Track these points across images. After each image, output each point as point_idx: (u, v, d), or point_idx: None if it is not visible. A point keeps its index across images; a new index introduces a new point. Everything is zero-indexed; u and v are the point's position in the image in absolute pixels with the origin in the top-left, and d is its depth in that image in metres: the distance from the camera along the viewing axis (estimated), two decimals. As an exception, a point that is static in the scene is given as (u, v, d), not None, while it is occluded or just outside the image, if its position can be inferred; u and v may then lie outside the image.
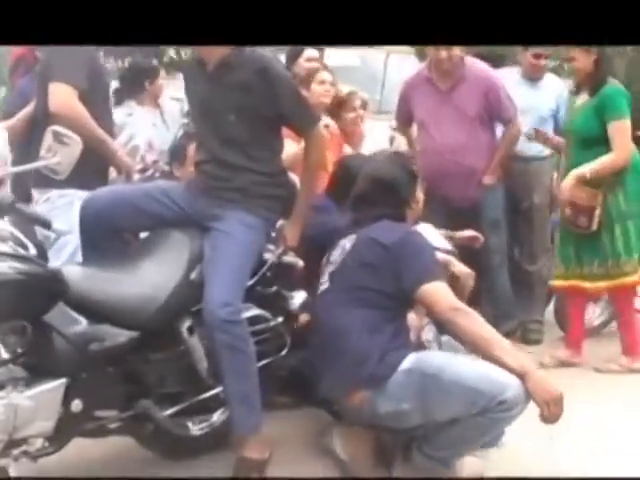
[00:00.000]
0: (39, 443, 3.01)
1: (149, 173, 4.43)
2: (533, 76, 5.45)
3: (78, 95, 3.82)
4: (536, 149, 5.43)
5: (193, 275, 3.28)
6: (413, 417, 3.10)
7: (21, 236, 2.91)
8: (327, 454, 3.32)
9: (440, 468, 3.15)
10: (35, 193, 4.05)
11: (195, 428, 3.45)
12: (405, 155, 3.76)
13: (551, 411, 2.89)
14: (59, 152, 2.91)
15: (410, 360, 3.10)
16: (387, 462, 3.30)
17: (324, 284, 3.36)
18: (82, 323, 3.07)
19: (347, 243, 3.32)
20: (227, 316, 3.12)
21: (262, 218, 3.38)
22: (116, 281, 3.19)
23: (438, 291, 3.12)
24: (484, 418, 2.95)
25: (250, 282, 3.42)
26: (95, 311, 3.08)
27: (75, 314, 3.06)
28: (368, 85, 6.45)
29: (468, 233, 4.40)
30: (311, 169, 3.51)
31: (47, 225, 2.95)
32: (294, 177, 3.63)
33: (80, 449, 3.32)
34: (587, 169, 4.62)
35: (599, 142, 4.65)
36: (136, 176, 4.33)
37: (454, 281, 3.69)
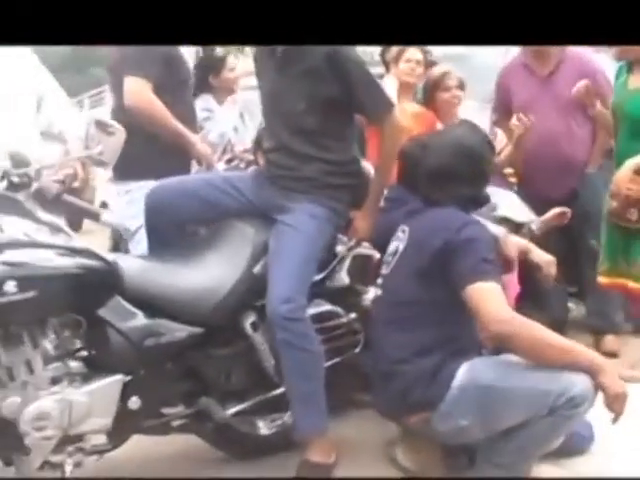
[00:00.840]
0: (96, 440, 2.96)
1: (235, 163, 4.32)
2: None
3: (153, 88, 3.74)
4: None
5: (257, 269, 3.14)
6: (475, 432, 2.86)
7: (66, 228, 2.83)
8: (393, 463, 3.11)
9: (508, 475, 2.89)
10: (117, 185, 4.00)
11: (265, 427, 3.31)
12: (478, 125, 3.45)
13: (622, 405, 2.70)
14: (102, 142, 2.82)
15: (462, 373, 2.84)
16: (454, 470, 3.05)
17: (378, 290, 3.13)
18: (139, 317, 2.96)
19: (401, 244, 3.04)
20: (287, 313, 2.96)
21: (330, 209, 3.20)
22: (176, 274, 3.08)
23: (483, 295, 2.75)
24: (554, 417, 2.72)
25: (319, 276, 3.25)
26: (152, 305, 2.98)
27: (132, 308, 2.96)
28: (482, 74, 6.08)
29: (555, 210, 4.04)
30: (385, 159, 3.29)
31: (96, 217, 2.87)
32: (368, 166, 3.41)
33: (145, 447, 3.25)
34: None
35: None
36: (223, 166, 4.23)
37: (535, 270, 3.38)
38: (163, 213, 3.23)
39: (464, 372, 2.83)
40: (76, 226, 8.89)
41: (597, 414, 3.15)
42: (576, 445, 3.30)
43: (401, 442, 3.11)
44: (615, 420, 2.74)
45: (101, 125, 2.88)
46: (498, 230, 3.32)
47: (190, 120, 4.05)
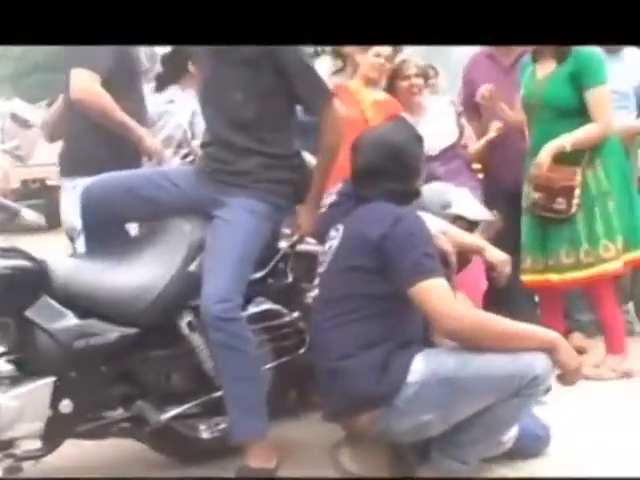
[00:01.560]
0: (29, 445, 2.87)
1: (192, 158, 4.21)
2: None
3: (102, 81, 3.64)
4: None
5: (193, 267, 3.04)
6: (436, 426, 2.77)
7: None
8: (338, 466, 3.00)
9: (462, 468, 2.82)
10: (64, 181, 3.91)
11: (206, 430, 3.22)
12: (409, 122, 3.35)
13: (576, 378, 2.80)
14: (18, 136, 2.72)
15: (419, 366, 2.74)
16: (404, 471, 2.95)
17: (315, 288, 3.02)
18: (69, 318, 2.89)
19: (335, 241, 2.94)
20: (221, 313, 2.86)
21: (269, 204, 3.09)
22: (108, 273, 2.99)
23: (430, 293, 2.68)
24: (518, 398, 2.71)
25: (260, 274, 3.16)
26: (83, 304, 2.90)
27: (62, 308, 2.88)
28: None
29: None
30: (325, 150, 3.18)
31: (15, 214, 2.77)
32: (311, 159, 3.30)
33: (84, 451, 3.16)
34: (568, 141, 4.03)
35: (574, 113, 4.10)
36: (178, 161, 4.13)
37: (490, 270, 3.28)
38: (98, 210, 3.13)
39: (420, 365, 2.74)
40: (55, 224, 8.84)
41: (554, 414, 3.13)
42: (532, 446, 3.22)
43: (346, 445, 2.99)
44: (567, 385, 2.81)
45: (17, 119, 2.78)
46: (437, 223, 3.22)
47: (140, 114, 3.94)
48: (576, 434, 3.36)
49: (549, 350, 2.71)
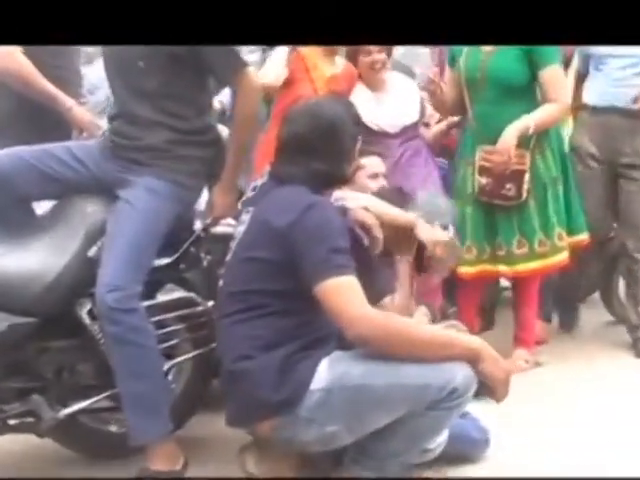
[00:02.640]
0: None
1: None
2: None
3: (24, 50, 3.41)
4: None
5: (92, 251, 2.80)
6: (344, 437, 2.50)
7: None
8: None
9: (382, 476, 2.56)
10: None
11: (116, 424, 3.04)
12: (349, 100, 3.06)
13: (505, 390, 2.48)
14: None
15: (324, 371, 2.46)
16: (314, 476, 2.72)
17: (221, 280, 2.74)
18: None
19: (243, 226, 2.66)
20: (114, 303, 2.63)
21: (175, 183, 2.84)
22: (1, 257, 2.75)
23: (338, 292, 2.38)
24: (436, 411, 2.41)
25: (170, 259, 2.93)
26: (-31, 292, 2.67)
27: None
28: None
29: None
30: (238, 125, 2.92)
31: None
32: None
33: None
34: (530, 123, 3.77)
35: (521, 92, 3.87)
36: None
37: (420, 251, 2.99)
38: (3, 186, 2.89)
39: (326, 370, 2.46)
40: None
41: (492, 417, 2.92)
42: (468, 451, 3.01)
43: (252, 449, 2.75)
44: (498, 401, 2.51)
45: None
46: (361, 198, 2.95)
47: (75, 85, 3.71)
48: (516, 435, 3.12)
49: (472, 360, 2.42)
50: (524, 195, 3.82)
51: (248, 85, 2.86)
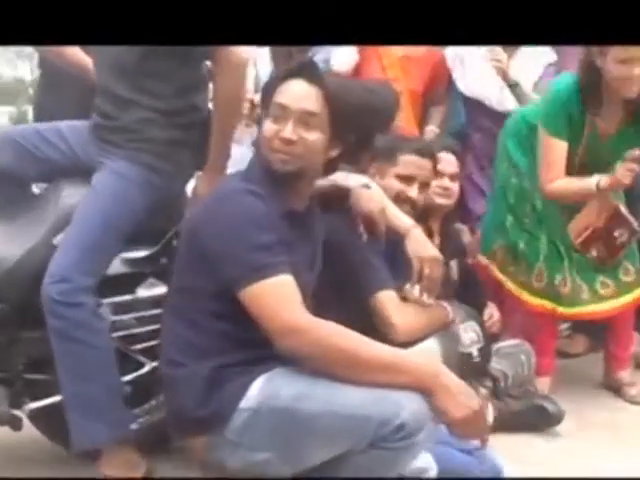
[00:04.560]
0: None
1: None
2: None
3: None
4: None
5: (57, 239, 2.61)
6: (281, 467, 2.12)
7: None
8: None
9: None
10: None
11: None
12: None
13: (472, 431, 2.03)
14: None
15: (256, 388, 2.10)
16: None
17: None
18: None
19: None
20: (58, 295, 2.44)
21: (149, 168, 2.59)
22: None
23: (263, 297, 2.05)
24: (380, 450, 1.98)
25: (150, 251, 2.69)
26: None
27: None
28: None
29: None
30: (220, 104, 2.61)
31: None
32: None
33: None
34: None
35: None
36: None
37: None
38: None
39: (259, 387, 2.10)
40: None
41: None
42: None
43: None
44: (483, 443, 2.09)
45: None
46: (353, 179, 2.60)
47: None
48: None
49: (422, 391, 1.97)
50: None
51: (228, 60, 2.55)
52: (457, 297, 3.36)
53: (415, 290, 2.67)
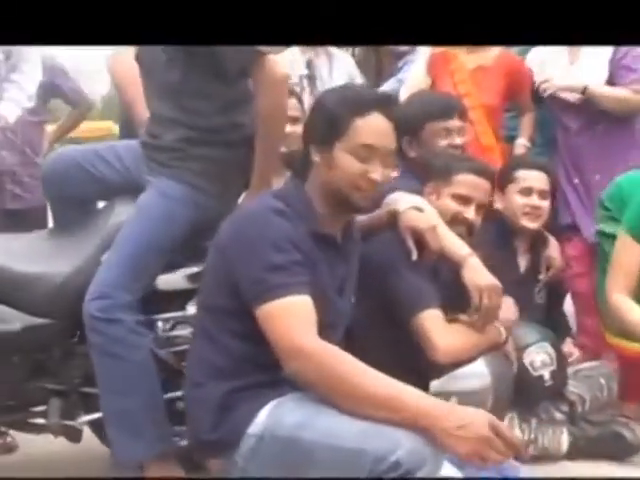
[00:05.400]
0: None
1: None
2: None
3: None
4: None
5: (105, 256, 2.67)
6: None
7: None
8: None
9: None
10: None
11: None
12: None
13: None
14: None
15: (265, 414, 2.06)
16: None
17: None
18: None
19: None
20: (97, 311, 2.50)
21: (192, 187, 2.61)
22: (23, 257, 2.74)
23: (273, 318, 2.02)
24: None
25: (198, 269, 2.69)
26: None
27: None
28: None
29: None
30: (263, 122, 2.58)
31: None
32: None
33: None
34: None
35: None
36: None
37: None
38: (54, 187, 2.88)
39: (266, 414, 2.07)
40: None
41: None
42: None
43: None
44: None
45: None
46: (410, 201, 2.56)
47: None
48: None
49: (423, 432, 1.87)
50: None
51: (267, 76, 2.54)
52: (541, 322, 3.24)
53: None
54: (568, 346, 3.38)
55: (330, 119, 2.21)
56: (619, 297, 3.08)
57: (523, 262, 3.34)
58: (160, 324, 2.76)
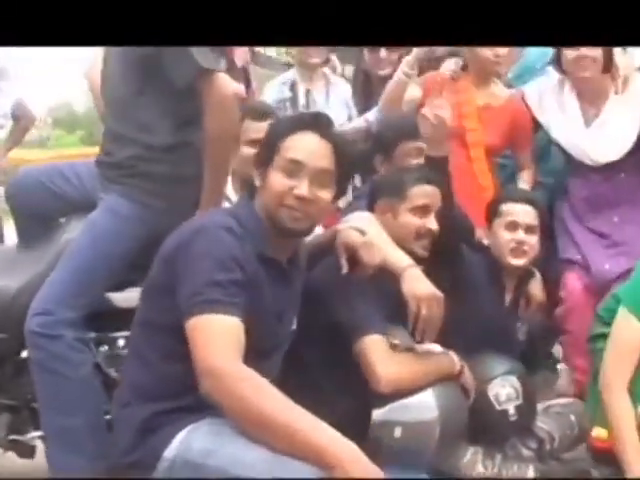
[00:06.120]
0: None
1: None
2: None
3: None
4: None
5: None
6: None
7: None
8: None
9: None
10: None
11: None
12: None
13: None
14: None
15: (180, 438, 2.02)
16: None
17: None
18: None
19: None
20: (38, 327, 2.50)
21: (142, 205, 2.60)
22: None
23: (197, 332, 1.97)
24: None
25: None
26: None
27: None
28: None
29: None
30: (210, 140, 2.56)
31: None
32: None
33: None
34: None
35: None
36: None
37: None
38: (15, 205, 2.92)
39: (180, 438, 2.03)
40: None
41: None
42: None
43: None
44: None
45: None
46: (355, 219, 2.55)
47: None
48: None
49: (321, 466, 1.80)
50: None
51: (215, 94, 2.52)
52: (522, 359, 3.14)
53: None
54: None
55: (266, 142, 2.23)
56: (614, 392, 2.78)
57: (508, 297, 3.23)
58: (121, 342, 2.75)
